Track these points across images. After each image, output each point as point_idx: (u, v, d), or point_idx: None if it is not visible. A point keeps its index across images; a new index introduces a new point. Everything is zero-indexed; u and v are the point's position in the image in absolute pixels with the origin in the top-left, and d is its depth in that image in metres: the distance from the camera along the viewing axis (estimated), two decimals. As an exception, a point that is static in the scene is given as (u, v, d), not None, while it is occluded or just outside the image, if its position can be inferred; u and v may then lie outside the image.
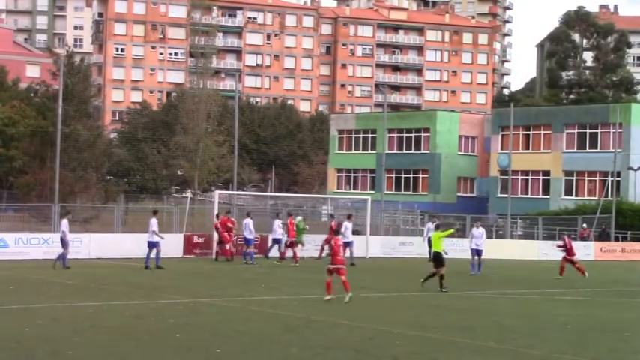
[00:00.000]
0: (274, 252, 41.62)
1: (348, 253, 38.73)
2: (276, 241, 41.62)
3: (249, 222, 40.40)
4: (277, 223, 41.61)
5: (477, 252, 36.60)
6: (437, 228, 30.98)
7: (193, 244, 42.87)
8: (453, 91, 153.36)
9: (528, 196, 72.85)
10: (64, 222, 34.44)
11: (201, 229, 45.58)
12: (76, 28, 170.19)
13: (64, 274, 31.25)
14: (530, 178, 73.76)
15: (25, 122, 72.63)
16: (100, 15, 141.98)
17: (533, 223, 60.38)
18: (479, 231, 37.28)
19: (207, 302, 24.02)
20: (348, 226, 39.37)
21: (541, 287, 29.21)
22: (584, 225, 59.20)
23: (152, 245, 34.59)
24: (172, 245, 41.36)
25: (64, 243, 34.06)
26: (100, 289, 26.55)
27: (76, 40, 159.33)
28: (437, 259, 29.08)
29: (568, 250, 36.45)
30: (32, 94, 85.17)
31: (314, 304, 24.52)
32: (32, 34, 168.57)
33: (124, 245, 39.82)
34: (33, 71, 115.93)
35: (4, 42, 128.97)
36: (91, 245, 38.53)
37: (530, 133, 73.96)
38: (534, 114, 77.09)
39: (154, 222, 34.84)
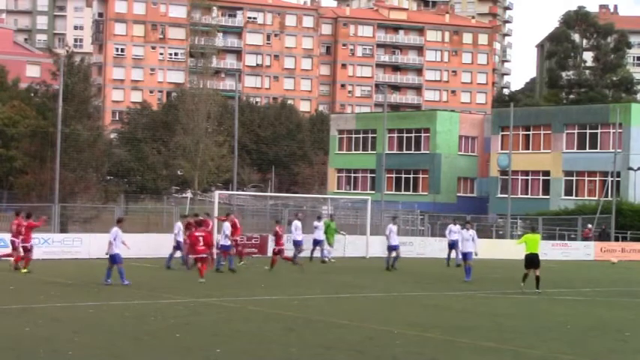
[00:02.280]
0: (316, 254, 41.00)
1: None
2: (317, 242, 40.78)
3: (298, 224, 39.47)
4: (316, 224, 40.97)
5: (465, 255, 33.31)
6: (533, 230, 32.33)
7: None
8: (453, 91, 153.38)
9: (528, 196, 72.85)
10: (296, 223, 35.94)
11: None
12: (76, 28, 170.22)
13: (66, 274, 31.24)
14: (530, 178, 73.77)
15: (25, 122, 72.62)
16: (100, 15, 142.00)
17: (534, 223, 60.39)
18: (469, 233, 33.74)
19: (207, 302, 24.02)
20: (392, 229, 37.88)
21: (541, 287, 29.20)
22: (590, 225, 59.27)
23: (224, 248, 34.70)
24: (172, 245, 41.39)
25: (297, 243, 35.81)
26: (100, 289, 26.55)
27: (76, 40, 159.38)
28: (533, 260, 29.32)
29: None
30: (32, 94, 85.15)
31: (314, 305, 24.54)
32: (32, 34, 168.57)
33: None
34: (33, 71, 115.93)
35: (4, 42, 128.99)
36: (91, 245, 38.49)
37: (530, 133, 73.98)
38: (534, 114, 77.12)
39: (179, 225, 35.46)
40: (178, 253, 35.18)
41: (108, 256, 28.08)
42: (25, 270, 31.38)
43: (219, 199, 46.85)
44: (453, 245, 40.41)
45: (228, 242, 34.43)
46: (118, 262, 27.65)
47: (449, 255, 41.10)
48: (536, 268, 29.28)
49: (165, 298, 24.90)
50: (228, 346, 17.09)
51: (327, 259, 40.84)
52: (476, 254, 33.62)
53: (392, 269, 36.56)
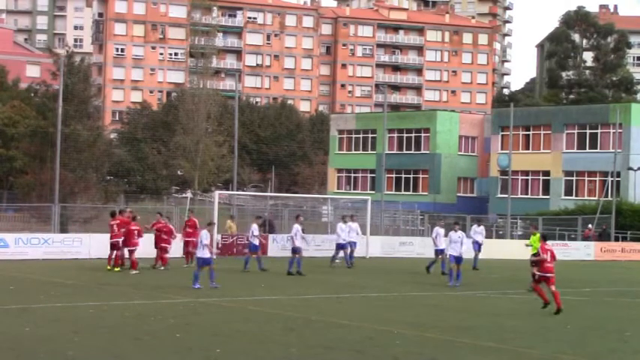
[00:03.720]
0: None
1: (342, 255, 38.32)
2: (340, 246, 38.28)
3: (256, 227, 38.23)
4: (340, 226, 38.38)
5: (456, 259, 31.07)
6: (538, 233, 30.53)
7: (194, 243, 42.79)
8: (453, 91, 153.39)
9: (528, 196, 72.86)
10: (296, 227, 34.55)
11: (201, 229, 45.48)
12: (76, 28, 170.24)
13: (66, 274, 31.25)
14: (530, 178, 73.78)
15: (25, 122, 72.59)
16: (100, 15, 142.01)
17: (534, 223, 60.39)
18: (457, 235, 31.45)
19: (208, 302, 24.01)
20: (439, 232, 36.16)
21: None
22: (590, 225, 59.27)
23: (253, 248, 34.59)
24: (172, 245, 41.36)
25: (253, 246, 34.70)
26: (100, 289, 26.55)
27: (76, 40, 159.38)
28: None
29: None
30: (32, 94, 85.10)
31: (314, 305, 24.56)
32: (32, 34, 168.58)
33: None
34: (33, 71, 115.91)
35: (4, 42, 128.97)
36: (92, 245, 38.49)
37: (530, 133, 73.98)
38: (534, 114, 77.13)
39: (255, 227, 35.15)
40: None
41: (197, 259, 28.00)
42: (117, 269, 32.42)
43: (219, 199, 46.87)
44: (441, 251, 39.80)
45: (257, 242, 34.39)
46: (208, 264, 27.50)
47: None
48: None
49: (165, 298, 24.91)
50: (229, 346, 17.10)
51: (337, 262, 40.11)
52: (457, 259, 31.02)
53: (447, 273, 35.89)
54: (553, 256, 23.94)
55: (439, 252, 35.49)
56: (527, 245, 33.44)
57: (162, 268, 34.01)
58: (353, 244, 39.03)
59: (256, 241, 34.72)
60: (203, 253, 27.52)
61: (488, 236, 57.94)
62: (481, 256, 40.39)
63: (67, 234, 42.47)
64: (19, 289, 26.08)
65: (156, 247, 34.65)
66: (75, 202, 53.76)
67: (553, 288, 23.61)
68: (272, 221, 49.21)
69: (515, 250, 48.44)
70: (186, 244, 35.91)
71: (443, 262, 34.87)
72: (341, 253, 39.04)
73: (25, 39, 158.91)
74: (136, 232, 33.20)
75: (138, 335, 17.98)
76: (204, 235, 27.81)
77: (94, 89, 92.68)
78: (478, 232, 40.93)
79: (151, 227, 35.09)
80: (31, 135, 66.59)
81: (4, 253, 37.28)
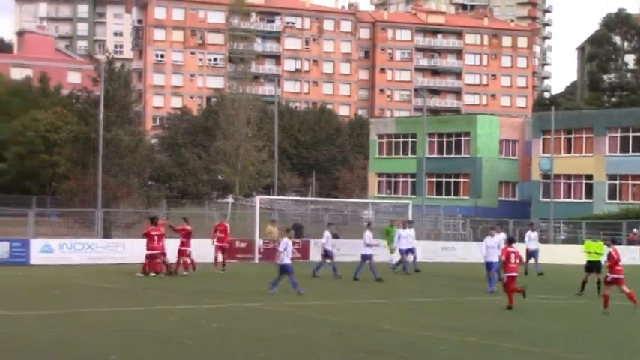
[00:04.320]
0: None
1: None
2: (365, 257, 35.05)
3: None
4: (368, 234, 35.74)
5: (490, 265, 30.34)
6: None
7: (235, 249, 42.98)
8: (493, 95, 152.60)
9: (571, 200, 72.20)
10: (327, 233, 34.70)
11: (242, 234, 45.66)
12: (116, 34, 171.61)
13: (110, 279, 31.45)
14: (572, 182, 73.11)
15: (67, 128, 73.32)
16: (140, 21, 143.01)
17: (577, 227, 59.86)
18: (494, 240, 30.65)
19: (251, 307, 24.05)
20: (531, 235, 36.63)
21: (585, 292, 29.03)
22: (635, 230, 58.58)
23: (328, 255, 34.51)
24: (214, 250, 41.52)
25: (327, 254, 34.44)
26: (143, 294, 26.69)
27: (116, 47, 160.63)
28: (594, 266, 29.57)
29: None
30: (74, 101, 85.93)
31: (358, 310, 24.51)
32: (73, 40, 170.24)
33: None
34: (74, 78, 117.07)
35: (46, 49, 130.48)
36: (134, 250, 38.70)
37: (572, 136, 73.29)
38: (575, 117, 76.43)
39: (327, 233, 35.06)
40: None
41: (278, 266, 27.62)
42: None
43: (260, 204, 46.98)
44: (532, 254, 39.18)
45: (369, 251, 33.87)
46: (289, 273, 27.22)
47: (533, 263, 39.48)
48: (597, 273, 29.40)
49: (209, 302, 24.98)
50: (273, 350, 17.10)
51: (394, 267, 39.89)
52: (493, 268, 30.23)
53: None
54: (517, 257, 25.47)
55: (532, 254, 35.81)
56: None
57: (186, 273, 33.67)
58: (413, 250, 38.53)
59: (330, 247, 34.42)
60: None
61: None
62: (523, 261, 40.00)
63: (110, 239, 42.79)
64: (64, 294, 26.29)
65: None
66: (117, 208, 54.07)
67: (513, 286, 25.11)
68: (300, 225, 49.22)
69: (558, 254, 48.13)
70: (217, 249, 35.88)
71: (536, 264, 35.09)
72: (395, 259, 38.85)
73: (67, 46, 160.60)
74: (156, 237, 33.09)
75: (182, 340, 18.03)
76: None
77: (134, 95, 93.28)
78: (533, 238, 40.10)
79: (177, 231, 34.80)
80: (73, 141, 67.14)
81: (48, 258, 37.69)
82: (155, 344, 17.45)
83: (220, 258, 36.35)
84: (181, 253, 34.15)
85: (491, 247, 30.12)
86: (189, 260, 34.25)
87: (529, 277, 36.83)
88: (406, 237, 38.02)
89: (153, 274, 32.66)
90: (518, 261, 25.51)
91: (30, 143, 75.85)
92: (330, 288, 30.41)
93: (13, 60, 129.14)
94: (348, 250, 40.99)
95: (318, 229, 52.57)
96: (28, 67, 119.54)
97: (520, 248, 35.17)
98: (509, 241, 26.73)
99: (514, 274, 25.22)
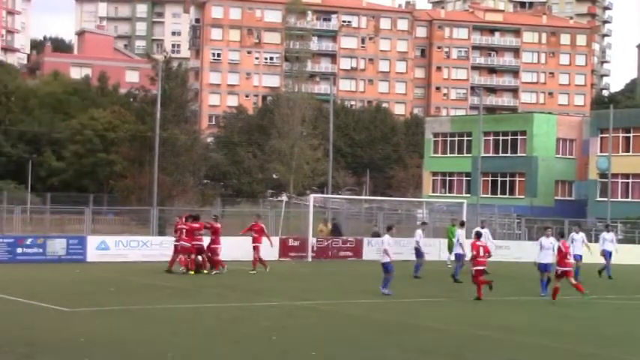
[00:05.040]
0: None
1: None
2: (459, 256, 34.88)
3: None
4: (460, 232, 35.79)
5: (546, 267, 28.77)
6: None
7: (289, 247, 43.14)
8: (551, 93, 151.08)
9: (629, 199, 71.20)
10: (419, 232, 34.60)
11: (296, 232, 45.79)
12: (173, 33, 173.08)
13: (165, 276, 31.72)
14: (630, 181, 72.08)
15: (124, 127, 74.17)
16: (197, 21, 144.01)
17: (635, 227, 59.06)
18: (549, 241, 29.02)
19: (303, 305, 24.11)
20: (576, 237, 35.17)
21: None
22: None
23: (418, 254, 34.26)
24: (268, 248, 41.69)
25: (419, 253, 34.17)
26: (197, 292, 26.90)
27: (173, 46, 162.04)
28: None
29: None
30: (131, 99, 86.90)
31: (410, 308, 24.46)
32: (132, 40, 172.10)
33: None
34: (132, 77, 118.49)
35: (105, 48, 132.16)
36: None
37: (631, 135, 72.21)
38: (635, 116, 75.26)
39: (419, 232, 34.86)
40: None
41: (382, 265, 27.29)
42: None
43: (314, 202, 47.08)
44: (607, 255, 38.06)
45: (461, 250, 33.70)
46: (388, 271, 27.05)
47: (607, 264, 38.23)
48: None
49: (261, 300, 25.10)
50: (324, 349, 17.12)
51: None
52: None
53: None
54: (487, 251, 27.00)
55: (577, 258, 34.15)
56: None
57: (216, 272, 32.88)
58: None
59: (460, 250, 34.21)
60: (383, 258, 27.15)
61: (588, 240, 56.82)
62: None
63: (166, 237, 43.12)
64: (120, 291, 26.59)
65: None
66: (172, 206, 54.55)
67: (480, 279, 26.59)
68: (339, 225, 49.22)
69: (616, 254, 47.35)
70: (254, 249, 34.61)
71: (577, 268, 33.86)
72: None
73: (125, 45, 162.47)
74: (184, 230, 32.81)
75: (235, 337, 18.15)
76: (386, 240, 27.35)
77: (191, 94, 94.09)
78: (608, 239, 39.11)
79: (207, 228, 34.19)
80: (130, 139, 67.94)
81: (104, 255, 38.18)
82: (209, 342, 17.59)
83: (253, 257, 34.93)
84: (211, 250, 33.41)
85: (547, 248, 28.84)
86: (200, 258, 33.29)
87: (596, 278, 35.94)
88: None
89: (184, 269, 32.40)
90: (487, 255, 26.80)
91: (88, 142, 76.85)
92: (375, 286, 30.31)
93: (73, 60, 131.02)
94: (398, 249, 40.84)
95: (371, 228, 52.60)
96: (87, 66, 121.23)
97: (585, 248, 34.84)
98: (477, 235, 27.59)
99: (482, 267, 26.61)
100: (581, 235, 37.86)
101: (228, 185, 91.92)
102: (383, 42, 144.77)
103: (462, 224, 39.29)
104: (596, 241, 44.31)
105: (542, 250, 28.82)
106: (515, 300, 28.03)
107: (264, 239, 34.69)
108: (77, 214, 45.35)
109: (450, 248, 39.22)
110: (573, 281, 26.77)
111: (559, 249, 27.02)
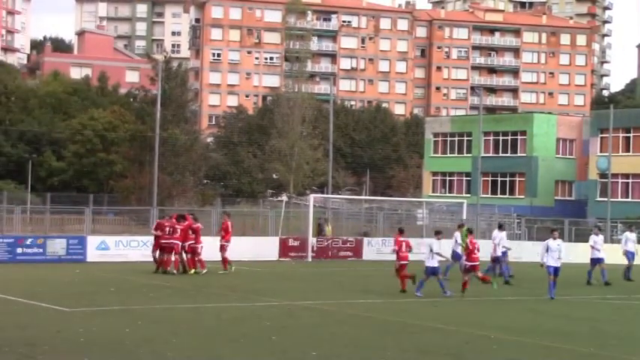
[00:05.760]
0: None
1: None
2: (496, 259, 34.35)
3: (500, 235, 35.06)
4: (501, 236, 34.91)
5: (555, 270, 27.91)
6: None
7: (289, 247, 43.15)
8: (551, 93, 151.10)
9: (629, 199, 71.22)
10: (457, 234, 34.01)
11: (296, 232, 45.81)
12: (173, 34, 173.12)
13: (165, 276, 31.72)
14: (630, 181, 72.09)
15: (124, 127, 74.20)
16: (197, 21, 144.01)
17: (635, 227, 59.04)
18: (556, 243, 28.18)
19: (303, 305, 24.12)
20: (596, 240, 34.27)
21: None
22: None
23: (457, 257, 33.53)
24: (268, 248, 41.76)
25: (456, 255, 33.60)
26: (197, 292, 26.89)
27: (173, 46, 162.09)
28: None
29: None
30: (131, 99, 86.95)
31: (409, 308, 24.44)
32: (132, 40, 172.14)
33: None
34: (132, 77, 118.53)
35: (105, 48, 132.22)
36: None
37: (631, 135, 72.21)
38: (635, 115, 75.27)
39: (458, 234, 34.15)
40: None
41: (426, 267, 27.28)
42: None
43: (314, 202, 47.09)
44: (630, 256, 36.67)
45: (460, 250, 33.38)
46: (436, 274, 27.16)
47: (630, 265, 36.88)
48: None
49: (261, 300, 25.09)
50: (324, 349, 17.12)
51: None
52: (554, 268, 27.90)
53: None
54: (408, 246, 28.46)
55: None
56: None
57: (195, 271, 32.51)
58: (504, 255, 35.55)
59: (459, 249, 34.15)
60: (431, 262, 26.99)
61: (588, 240, 56.84)
62: (580, 260, 39.51)
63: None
64: (120, 291, 26.58)
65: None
66: (172, 205, 54.58)
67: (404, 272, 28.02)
68: (323, 225, 49.23)
69: (616, 254, 47.36)
70: (221, 248, 33.97)
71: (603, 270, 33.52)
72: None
73: (125, 45, 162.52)
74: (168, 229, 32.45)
75: (234, 337, 18.15)
76: (433, 244, 27.21)
77: (191, 94, 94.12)
78: (631, 239, 37.96)
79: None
80: (130, 139, 67.98)
81: (104, 255, 38.19)
82: (209, 342, 17.58)
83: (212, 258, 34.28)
84: (191, 250, 32.93)
85: (554, 250, 27.97)
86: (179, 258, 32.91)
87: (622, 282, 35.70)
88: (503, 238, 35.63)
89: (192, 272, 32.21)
90: (409, 249, 28.25)
91: (88, 142, 76.86)
92: (376, 286, 30.35)
93: (73, 60, 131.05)
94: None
95: (371, 228, 52.65)
96: (87, 66, 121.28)
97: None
98: (400, 231, 29.15)
99: (405, 262, 28.04)
100: (635, 235, 37.37)
101: (228, 185, 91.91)
102: (383, 42, 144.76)
103: (501, 227, 37.46)
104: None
105: (550, 253, 28.03)
106: (515, 300, 28.01)
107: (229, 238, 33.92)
108: (77, 214, 45.35)
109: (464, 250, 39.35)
110: (480, 274, 28.49)
111: (467, 245, 28.76)
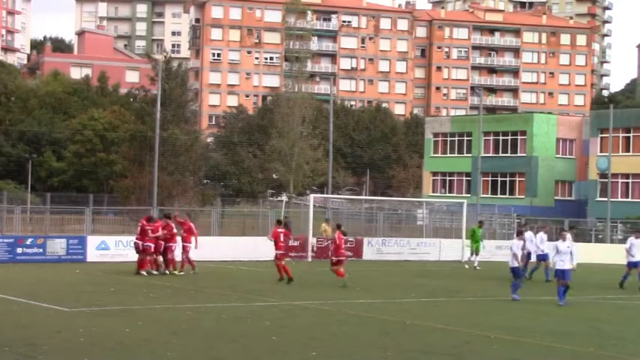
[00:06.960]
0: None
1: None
2: (541, 257, 34.96)
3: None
4: (541, 237, 35.43)
5: (563, 274, 26.25)
6: None
7: (289, 247, 43.05)
8: (551, 93, 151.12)
9: (629, 199, 71.21)
10: (541, 235, 34.68)
11: (296, 232, 45.78)
12: (173, 34, 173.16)
13: (165, 276, 31.73)
14: (630, 181, 72.09)
15: (124, 127, 74.20)
16: (197, 21, 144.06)
17: (635, 227, 59.02)
18: (566, 244, 26.59)
19: (303, 305, 24.11)
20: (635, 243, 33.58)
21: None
22: None
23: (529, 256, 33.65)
24: (268, 248, 41.65)
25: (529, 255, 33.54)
26: (197, 292, 26.89)
27: (173, 46, 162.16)
28: None
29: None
30: (131, 99, 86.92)
31: (409, 308, 24.45)
32: (132, 40, 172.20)
33: (220, 248, 40.24)
34: (132, 77, 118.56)
35: (105, 48, 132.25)
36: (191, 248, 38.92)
37: (631, 135, 72.20)
38: (635, 115, 75.24)
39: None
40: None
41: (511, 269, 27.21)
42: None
43: (314, 202, 47.07)
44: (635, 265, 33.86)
45: (545, 251, 33.66)
46: (519, 276, 27.17)
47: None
48: None
49: (261, 300, 25.10)
50: (324, 349, 17.12)
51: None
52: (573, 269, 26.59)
53: None
54: (286, 236, 31.42)
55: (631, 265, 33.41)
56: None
57: (168, 271, 32.49)
58: (546, 256, 34.89)
59: (542, 249, 34.11)
60: (513, 262, 27.06)
61: (588, 240, 56.94)
62: (581, 260, 39.44)
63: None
64: (120, 291, 26.58)
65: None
66: (173, 205, 54.53)
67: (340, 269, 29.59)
68: (289, 224, 49.10)
69: (616, 254, 47.41)
70: (183, 249, 33.61)
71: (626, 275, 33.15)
72: (478, 259, 39.19)
73: (125, 45, 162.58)
74: (149, 230, 32.39)
75: (234, 337, 18.15)
76: (515, 245, 27.11)
77: (191, 94, 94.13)
78: (635, 244, 35.77)
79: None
80: (130, 139, 67.91)
81: (105, 256, 38.19)
82: (209, 342, 17.58)
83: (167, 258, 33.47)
84: (166, 250, 32.91)
85: (564, 252, 26.21)
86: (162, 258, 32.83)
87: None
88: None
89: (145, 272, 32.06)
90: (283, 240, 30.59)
91: (88, 142, 76.85)
92: (376, 286, 30.37)
93: (73, 59, 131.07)
94: (398, 249, 40.99)
95: (371, 228, 52.63)
96: (87, 66, 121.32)
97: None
98: (338, 227, 31.09)
99: (343, 257, 29.86)
100: (570, 245, 37.00)
101: (228, 185, 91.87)
102: (383, 42, 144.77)
103: (545, 229, 37.35)
104: (597, 241, 44.42)
105: (559, 255, 26.35)
106: (516, 300, 27.95)
107: (193, 239, 33.53)
108: (77, 214, 45.33)
109: (476, 249, 39.75)
110: (339, 269, 29.80)
111: (334, 240, 30.53)
